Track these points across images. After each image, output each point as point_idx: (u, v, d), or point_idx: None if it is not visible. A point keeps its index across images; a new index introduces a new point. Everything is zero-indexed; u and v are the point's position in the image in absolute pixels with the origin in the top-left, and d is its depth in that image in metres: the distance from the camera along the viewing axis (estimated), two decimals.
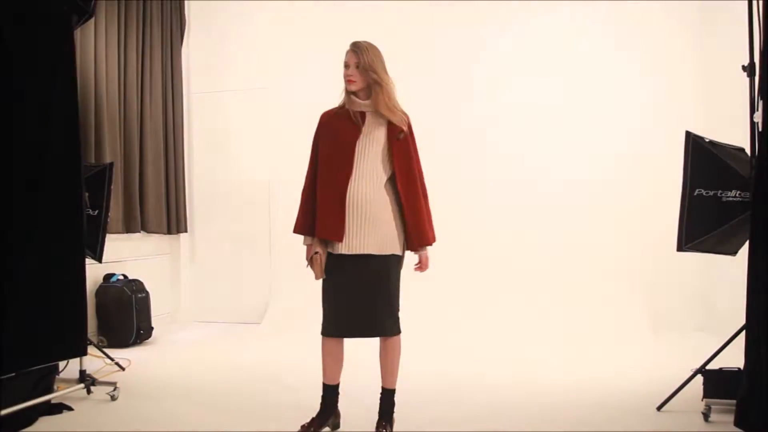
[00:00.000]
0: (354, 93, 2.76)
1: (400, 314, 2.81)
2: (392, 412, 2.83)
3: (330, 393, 2.84)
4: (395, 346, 2.79)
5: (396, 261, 2.78)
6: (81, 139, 3.32)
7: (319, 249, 2.72)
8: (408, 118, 2.83)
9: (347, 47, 2.76)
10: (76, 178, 3.19)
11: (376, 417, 2.82)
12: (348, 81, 2.73)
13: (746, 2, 2.88)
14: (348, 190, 2.70)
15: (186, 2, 6.16)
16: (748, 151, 3.02)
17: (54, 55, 3.11)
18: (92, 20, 4.39)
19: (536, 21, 5.42)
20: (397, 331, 2.78)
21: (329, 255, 2.72)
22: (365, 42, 2.76)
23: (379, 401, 2.84)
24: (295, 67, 5.76)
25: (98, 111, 4.94)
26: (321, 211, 2.71)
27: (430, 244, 2.90)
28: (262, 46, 5.97)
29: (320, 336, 2.79)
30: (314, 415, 2.82)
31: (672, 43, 5.20)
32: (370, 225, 2.69)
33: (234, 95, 6.07)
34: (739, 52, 3.18)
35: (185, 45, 6.15)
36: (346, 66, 2.74)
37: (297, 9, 5.84)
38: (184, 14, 6.13)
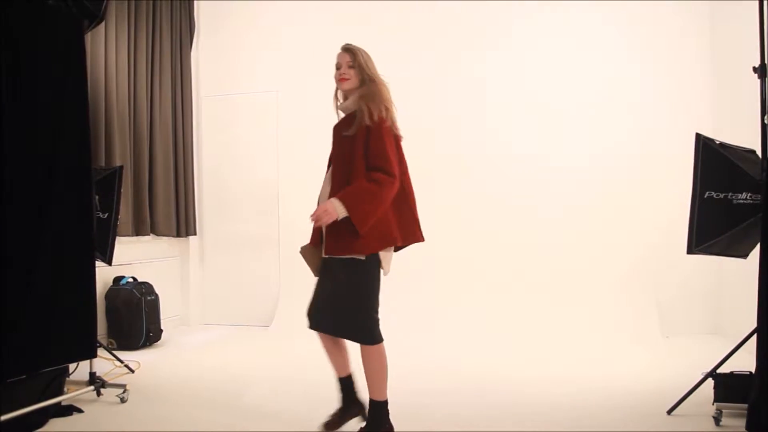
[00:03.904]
0: (346, 93, 2.79)
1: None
2: (386, 420, 2.73)
3: (343, 384, 2.88)
4: (368, 355, 2.68)
5: (354, 265, 2.63)
6: (91, 143, 3.34)
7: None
8: (381, 112, 2.65)
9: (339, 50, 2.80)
10: (87, 181, 3.22)
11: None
12: (341, 80, 2.76)
13: (757, 3, 2.86)
14: (318, 195, 2.80)
15: (195, 6, 6.19)
16: (759, 153, 2.99)
17: (65, 59, 3.14)
18: (102, 24, 4.42)
19: (544, 21, 5.40)
20: (369, 341, 2.66)
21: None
22: (355, 45, 2.81)
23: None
24: (305, 70, 5.77)
25: (108, 114, 4.97)
26: None
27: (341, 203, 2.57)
28: (272, 49, 5.99)
29: None
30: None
31: (683, 45, 5.17)
32: (326, 228, 2.69)
33: (243, 98, 6.09)
34: (749, 53, 3.16)
35: (195, 48, 6.18)
36: (338, 67, 2.78)
37: (306, 12, 5.85)
38: (193, 18, 6.16)
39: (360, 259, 2.62)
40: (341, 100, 2.84)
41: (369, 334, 2.66)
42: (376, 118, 2.63)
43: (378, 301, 2.72)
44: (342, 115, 2.84)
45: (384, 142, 2.63)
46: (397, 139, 2.77)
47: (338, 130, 2.81)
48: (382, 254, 2.67)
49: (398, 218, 2.69)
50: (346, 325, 2.69)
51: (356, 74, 2.74)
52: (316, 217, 2.60)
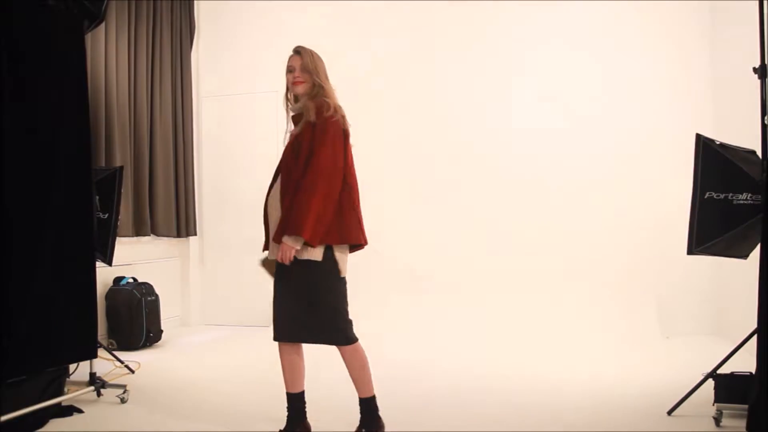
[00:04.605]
0: (298, 96, 2.75)
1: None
2: (376, 416, 2.75)
3: (297, 400, 2.78)
4: (350, 356, 2.69)
5: (309, 267, 2.61)
6: (91, 143, 3.34)
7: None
8: (329, 109, 2.64)
9: (291, 54, 2.80)
10: (87, 182, 3.22)
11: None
12: (295, 83, 2.73)
13: (757, 3, 2.86)
14: (267, 197, 2.77)
15: (195, 6, 6.19)
16: (759, 153, 2.99)
17: (65, 59, 3.14)
18: (103, 25, 4.43)
19: (544, 20, 5.40)
20: (346, 342, 2.67)
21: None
22: (308, 48, 2.79)
23: (360, 412, 2.77)
24: None
25: (108, 115, 4.98)
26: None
27: (291, 234, 2.54)
28: (271, 49, 5.97)
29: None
30: (284, 423, 2.79)
31: (683, 45, 5.17)
32: (272, 230, 2.69)
33: (243, 99, 6.09)
34: (750, 54, 3.16)
35: (194, 49, 6.18)
36: (291, 70, 2.75)
37: (306, 12, 5.85)
38: (193, 18, 6.16)
39: (317, 261, 2.60)
40: (292, 103, 2.80)
41: (344, 335, 2.67)
42: (324, 114, 2.62)
43: (347, 302, 2.72)
44: (292, 112, 2.81)
45: (327, 133, 2.60)
46: (345, 133, 2.69)
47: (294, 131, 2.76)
48: (338, 255, 2.66)
49: (340, 217, 2.63)
50: (323, 329, 2.66)
51: (309, 78, 2.72)
52: (281, 259, 2.57)
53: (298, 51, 2.77)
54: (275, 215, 2.69)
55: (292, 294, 2.67)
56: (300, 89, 2.73)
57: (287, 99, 2.83)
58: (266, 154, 5.97)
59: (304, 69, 2.72)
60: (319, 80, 2.71)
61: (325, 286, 2.65)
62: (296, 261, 2.58)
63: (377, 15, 5.68)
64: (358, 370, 2.70)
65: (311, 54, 2.76)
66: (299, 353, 2.78)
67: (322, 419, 2.89)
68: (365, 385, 2.73)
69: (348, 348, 2.67)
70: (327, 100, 2.66)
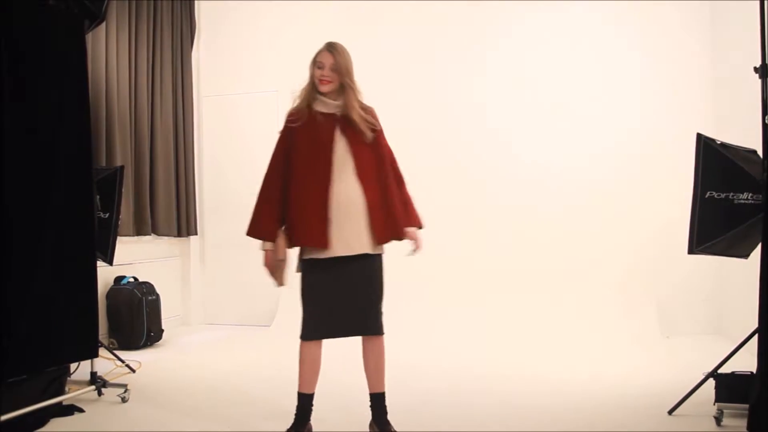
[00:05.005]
0: (322, 94, 2.72)
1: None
2: (386, 414, 2.77)
3: (307, 402, 2.78)
4: (381, 346, 2.75)
5: (373, 260, 2.71)
6: (92, 143, 3.34)
7: (282, 255, 2.72)
8: (375, 113, 2.81)
9: (321, 48, 2.73)
10: (88, 181, 3.22)
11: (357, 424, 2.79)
12: (322, 82, 2.69)
13: (758, 2, 2.85)
14: (330, 193, 2.65)
15: (196, 5, 6.19)
16: (760, 153, 2.99)
17: (66, 59, 3.14)
18: (103, 24, 4.43)
19: (544, 20, 5.39)
20: (382, 331, 2.74)
21: (309, 259, 2.68)
22: (340, 44, 2.74)
23: (372, 408, 2.77)
24: (305, 70, 5.74)
25: (109, 114, 4.98)
26: (300, 216, 2.66)
27: (418, 227, 2.86)
28: (272, 48, 5.99)
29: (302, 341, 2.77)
30: (292, 423, 2.78)
31: (684, 45, 5.16)
32: (352, 225, 2.65)
33: (244, 98, 6.09)
34: (750, 53, 3.15)
35: (195, 48, 6.18)
36: (321, 66, 2.69)
37: (307, 11, 5.85)
38: (194, 17, 6.16)
39: (382, 253, 2.75)
40: (332, 99, 2.73)
41: (382, 324, 2.74)
42: (378, 126, 2.77)
43: None
44: (325, 109, 2.73)
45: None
46: None
47: (332, 126, 2.71)
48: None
49: None
50: (373, 319, 2.71)
51: (337, 77, 2.69)
52: (419, 248, 2.81)
53: (331, 49, 2.70)
54: (357, 210, 2.66)
55: (367, 287, 2.70)
56: (326, 88, 2.70)
57: (313, 89, 2.74)
58: (267, 153, 5.96)
59: (335, 69, 2.68)
60: (349, 81, 2.70)
61: (379, 277, 2.76)
62: (378, 255, 2.70)
63: (378, 14, 5.68)
64: (383, 361, 2.75)
65: (343, 53, 2.70)
66: (320, 353, 2.78)
67: (327, 419, 2.89)
68: (383, 378, 2.77)
69: (381, 338, 2.73)
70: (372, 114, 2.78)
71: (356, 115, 2.68)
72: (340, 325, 2.69)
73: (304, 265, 2.71)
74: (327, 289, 2.68)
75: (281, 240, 2.73)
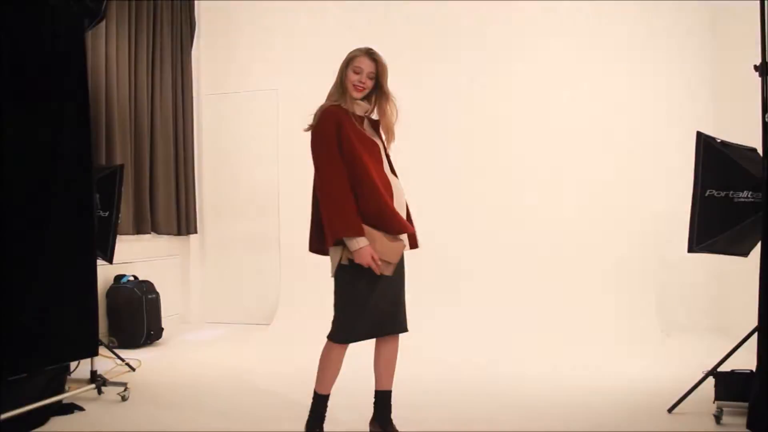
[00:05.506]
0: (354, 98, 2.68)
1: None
2: (391, 413, 2.77)
3: (324, 403, 2.72)
4: (397, 344, 2.76)
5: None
6: (92, 141, 3.34)
7: (395, 244, 2.59)
8: None
9: (359, 52, 2.65)
10: (88, 180, 3.22)
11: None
12: (357, 88, 2.63)
13: (758, 1, 2.85)
14: (392, 189, 2.63)
15: (196, 5, 6.19)
16: (760, 151, 2.99)
17: (65, 57, 3.13)
18: (103, 23, 4.43)
19: (547, 21, 5.39)
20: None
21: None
22: (378, 52, 2.69)
23: (377, 406, 2.76)
24: (305, 69, 5.77)
25: (109, 113, 4.98)
26: (387, 205, 2.54)
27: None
28: (272, 47, 5.99)
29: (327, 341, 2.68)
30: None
31: (684, 43, 5.17)
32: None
33: (244, 97, 6.09)
34: (750, 51, 3.15)
35: (195, 47, 6.18)
36: (359, 72, 2.62)
37: (306, 11, 5.85)
38: (194, 16, 6.16)
39: None
40: (360, 102, 2.69)
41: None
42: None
43: None
44: (360, 111, 2.70)
45: None
46: None
47: (369, 127, 2.73)
48: None
49: None
50: (404, 317, 2.72)
51: (371, 85, 2.66)
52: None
53: (372, 57, 2.65)
54: (403, 209, 2.70)
55: (401, 285, 2.72)
56: (359, 95, 2.65)
57: (351, 95, 2.66)
58: (266, 151, 5.99)
59: (372, 77, 2.65)
60: (386, 88, 2.69)
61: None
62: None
63: (379, 14, 5.67)
64: (395, 360, 2.75)
65: (383, 62, 2.67)
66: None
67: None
68: (392, 377, 2.77)
69: (398, 336, 2.74)
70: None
71: (390, 124, 2.71)
72: (379, 326, 2.64)
73: (354, 266, 2.54)
74: (374, 290, 2.58)
75: (379, 235, 2.55)
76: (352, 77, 2.63)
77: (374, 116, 2.78)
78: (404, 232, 2.60)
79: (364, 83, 2.63)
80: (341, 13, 5.76)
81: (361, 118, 2.70)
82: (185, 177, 5.90)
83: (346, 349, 2.67)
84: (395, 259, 2.58)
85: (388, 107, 2.70)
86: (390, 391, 2.78)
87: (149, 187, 5.48)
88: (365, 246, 2.49)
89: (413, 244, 2.75)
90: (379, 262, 2.51)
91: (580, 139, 5.29)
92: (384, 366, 2.75)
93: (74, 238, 3.11)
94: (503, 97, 5.44)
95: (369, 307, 2.57)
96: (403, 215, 2.66)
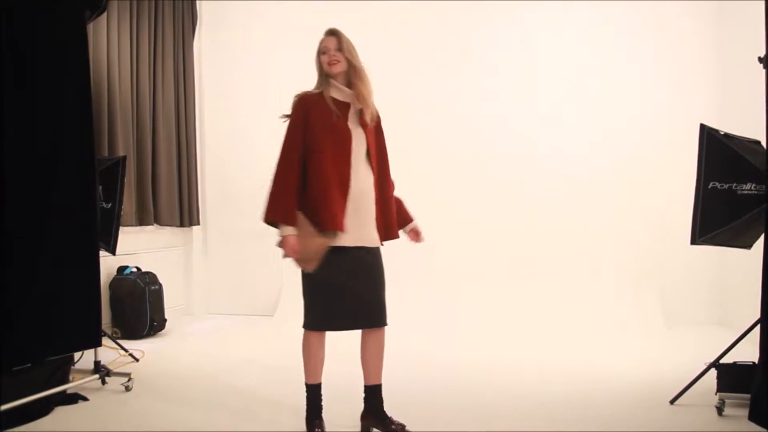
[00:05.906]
0: (334, 79, 2.69)
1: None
2: (383, 405, 2.77)
3: (316, 393, 2.77)
4: (383, 337, 2.76)
5: (378, 250, 2.75)
6: (94, 134, 3.34)
7: (319, 239, 2.60)
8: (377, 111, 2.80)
9: (323, 35, 2.74)
10: (90, 172, 3.22)
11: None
12: (332, 63, 2.66)
13: None
14: (350, 182, 2.62)
15: None
16: (764, 143, 2.98)
17: (67, 49, 3.13)
18: (104, 15, 4.41)
19: (551, 16, 5.36)
20: (387, 323, 2.74)
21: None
22: (340, 29, 2.75)
23: (367, 401, 2.77)
24: (308, 62, 5.72)
25: (111, 105, 4.97)
26: (324, 201, 2.58)
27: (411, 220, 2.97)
28: (274, 40, 5.96)
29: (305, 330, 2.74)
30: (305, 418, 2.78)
31: (688, 36, 5.14)
32: (367, 218, 2.67)
33: (246, 89, 6.07)
34: (755, 43, 3.14)
35: (197, 39, 6.16)
36: (326, 51, 2.68)
37: (309, 4, 5.82)
38: (196, 8, 6.13)
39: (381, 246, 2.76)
40: (342, 85, 2.70)
41: (386, 315, 2.75)
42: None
43: None
44: (341, 97, 2.69)
45: None
46: None
47: (347, 113, 2.69)
48: None
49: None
50: (380, 311, 2.71)
51: (344, 57, 2.68)
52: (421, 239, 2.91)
53: (333, 32, 2.72)
54: (369, 202, 2.69)
55: (378, 280, 2.72)
56: (336, 69, 2.68)
57: (325, 81, 2.72)
58: (269, 143, 5.95)
59: (340, 49, 2.68)
60: (355, 61, 2.69)
61: (383, 269, 2.77)
62: (378, 248, 2.72)
63: (379, 14, 5.64)
64: (383, 353, 2.76)
65: (343, 35, 2.72)
66: (324, 342, 2.77)
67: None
68: (381, 370, 2.77)
69: (383, 329, 2.74)
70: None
71: (364, 103, 2.67)
72: (347, 319, 2.66)
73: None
74: (337, 279, 2.62)
75: (307, 224, 2.60)
76: (323, 59, 2.71)
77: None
78: (332, 229, 2.58)
79: (334, 57, 2.68)
80: (343, 8, 5.72)
81: (346, 106, 2.69)
82: (188, 169, 5.90)
83: (323, 337, 2.73)
84: (312, 256, 2.61)
85: (357, 81, 2.69)
86: (379, 385, 2.77)
87: (152, 178, 5.48)
88: (289, 236, 2.60)
89: (390, 236, 2.77)
90: (297, 257, 2.61)
91: (583, 131, 5.27)
92: (369, 360, 2.75)
93: (77, 229, 3.12)
94: (505, 96, 5.42)
95: (329, 296, 2.64)
96: (368, 211, 2.66)
